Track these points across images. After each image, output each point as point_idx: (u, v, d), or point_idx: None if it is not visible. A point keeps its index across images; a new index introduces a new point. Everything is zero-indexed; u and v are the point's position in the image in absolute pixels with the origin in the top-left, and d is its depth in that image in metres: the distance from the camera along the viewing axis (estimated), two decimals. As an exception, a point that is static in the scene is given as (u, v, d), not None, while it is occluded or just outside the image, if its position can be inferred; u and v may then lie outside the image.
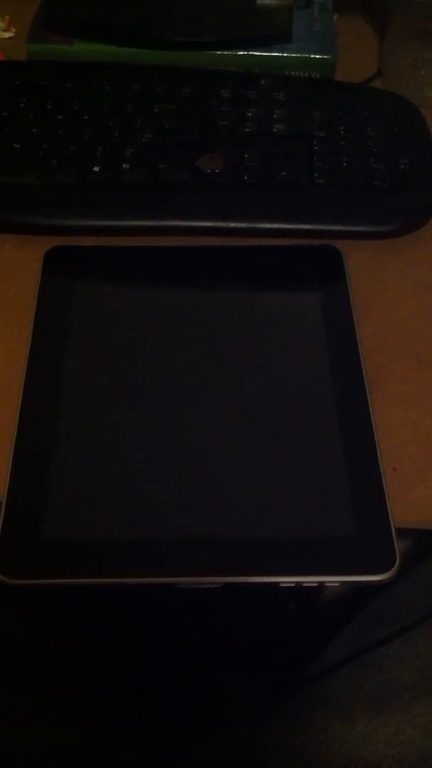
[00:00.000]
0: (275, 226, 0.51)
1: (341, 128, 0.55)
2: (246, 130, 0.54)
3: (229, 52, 0.60)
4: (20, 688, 0.39)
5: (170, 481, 0.40)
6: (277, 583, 0.37)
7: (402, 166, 0.53)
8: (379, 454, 0.41)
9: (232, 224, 0.50)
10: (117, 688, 0.40)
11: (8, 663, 0.39)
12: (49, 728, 0.38)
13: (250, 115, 0.55)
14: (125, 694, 0.39)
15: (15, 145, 0.53)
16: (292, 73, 0.61)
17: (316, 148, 0.54)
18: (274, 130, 0.55)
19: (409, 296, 0.49)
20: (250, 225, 0.50)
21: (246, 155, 0.53)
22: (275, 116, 0.55)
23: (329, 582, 0.37)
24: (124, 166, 0.52)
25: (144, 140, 0.53)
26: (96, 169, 0.51)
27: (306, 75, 0.60)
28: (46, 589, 0.39)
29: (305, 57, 0.60)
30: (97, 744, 0.38)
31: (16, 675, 0.39)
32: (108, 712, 0.39)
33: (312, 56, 0.60)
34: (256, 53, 0.60)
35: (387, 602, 0.41)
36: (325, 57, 0.60)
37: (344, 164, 0.53)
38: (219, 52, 0.60)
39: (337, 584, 0.38)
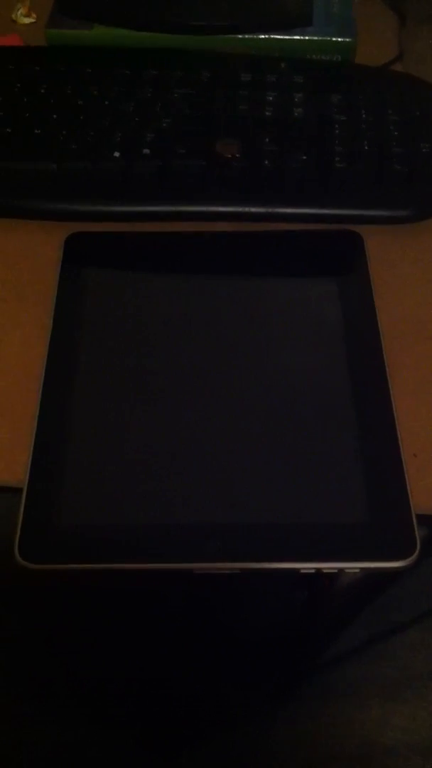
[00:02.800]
0: (294, 210, 0.50)
1: (361, 112, 0.55)
2: (266, 114, 0.54)
3: (249, 36, 0.59)
4: (22, 688, 0.39)
5: (188, 469, 0.40)
6: (298, 570, 0.37)
7: (423, 150, 0.52)
8: (399, 440, 0.40)
9: (252, 209, 0.50)
10: (119, 689, 0.40)
11: (10, 663, 0.39)
12: (50, 728, 0.38)
13: (269, 99, 0.55)
14: (127, 694, 0.39)
15: (35, 131, 0.53)
16: (312, 56, 0.60)
17: (336, 132, 0.53)
18: (294, 114, 0.54)
19: (427, 283, 0.49)
20: (269, 210, 0.50)
21: (265, 139, 0.52)
22: (295, 100, 0.55)
23: (349, 568, 0.37)
24: (144, 151, 0.52)
25: (163, 125, 0.53)
26: (116, 154, 0.51)
27: (326, 58, 0.60)
28: (61, 578, 0.39)
29: (325, 40, 0.59)
30: (99, 743, 0.38)
31: (18, 675, 0.39)
32: (110, 712, 0.39)
33: (332, 39, 0.59)
34: (275, 37, 0.59)
35: (399, 591, 0.41)
36: (345, 40, 0.59)
37: (365, 148, 0.52)
38: (238, 36, 0.59)
39: (357, 571, 0.37)
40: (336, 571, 0.37)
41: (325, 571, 0.37)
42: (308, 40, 0.59)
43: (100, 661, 0.40)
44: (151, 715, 0.39)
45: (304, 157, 0.51)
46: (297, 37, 0.59)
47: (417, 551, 0.37)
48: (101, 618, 0.40)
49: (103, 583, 0.40)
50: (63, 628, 0.40)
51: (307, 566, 0.37)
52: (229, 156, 0.51)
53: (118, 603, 0.40)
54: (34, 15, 0.65)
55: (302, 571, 0.37)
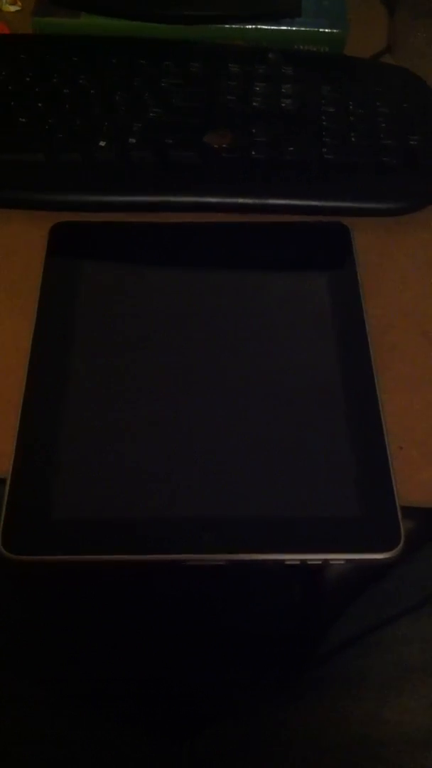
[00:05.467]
0: (283, 202, 0.50)
1: (350, 104, 0.54)
2: (254, 105, 0.54)
3: (238, 27, 0.59)
4: (23, 677, 0.39)
5: (177, 460, 0.40)
6: (282, 561, 0.37)
7: (412, 143, 0.52)
8: (385, 433, 0.40)
9: (240, 200, 0.50)
10: (118, 682, 0.40)
11: (10, 653, 0.39)
12: (52, 720, 0.38)
13: (258, 90, 0.55)
14: (127, 687, 0.39)
15: (21, 119, 0.52)
16: (302, 47, 0.60)
17: (324, 123, 0.53)
18: (283, 106, 0.54)
19: (418, 276, 0.49)
20: (257, 201, 0.50)
21: (254, 131, 0.52)
22: (284, 91, 0.55)
23: (334, 560, 0.37)
24: (130, 141, 0.51)
25: (151, 115, 0.53)
26: (102, 144, 0.51)
27: (315, 50, 0.60)
28: (49, 571, 0.39)
29: (315, 31, 0.59)
30: (99, 735, 0.38)
31: (18, 666, 0.39)
32: (110, 705, 0.39)
33: (321, 31, 0.59)
34: (265, 27, 0.59)
35: (393, 583, 0.41)
36: (335, 31, 0.59)
37: (353, 140, 0.52)
38: (228, 27, 0.59)
39: (342, 562, 0.37)
40: (321, 562, 0.37)
41: (310, 562, 0.37)
42: (297, 31, 0.59)
43: (98, 654, 0.40)
44: (154, 707, 0.39)
45: (293, 149, 0.51)
46: (286, 28, 0.59)
47: (401, 543, 0.37)
48: (102, 611, 0.40)
49: (91, 576, 0.40)
50: (64, 620, 0.40)
51: (293, 557, 0.37)
52: (218, 147, 0.51)
53: (114, 597, 0.40)
54: (20, 3, 0.64)
55: (287, 562, 0.37)
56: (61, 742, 0.38)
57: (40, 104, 0.53)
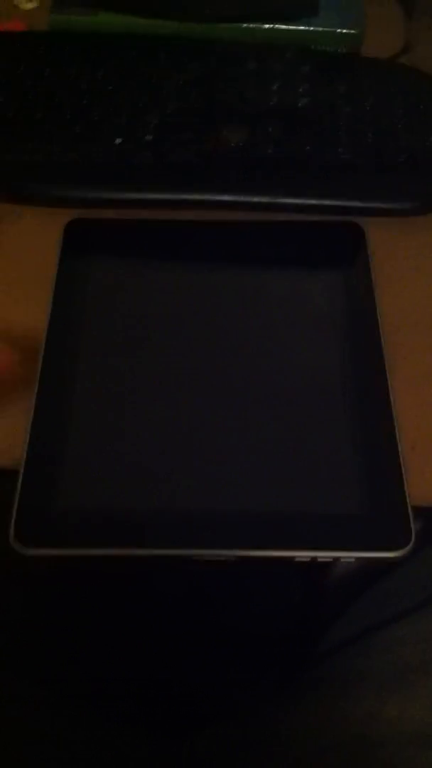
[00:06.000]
0: (297, 201, 0.50)
1: (366, 104, 0.54)
2: (270, 103, 0.54)
3: (255, 26, 0.59)
4: (23, 677, 0.39)
5: (185, 456, 0.40)
6: (293, 558, 0.37)
7: (427, 144, 0.52)
8: (397, 432, 0.40)
9: (255, 198, 0.50)
10: (119, 681, 0.40)
11: (10, 653, 0.39)
12: (52, 720, 0.38)
13: (275, 88, 0.55)
14: (127, 687, 0.39)
15: (37, 115, 0.53)
16: (318, 47, 0.60)
17: (340, 123, 0.53)
18: (299, 105, 0.54)
19: (430, 276, 0.49)
20: (272, 200, 0.50)
21: (270, 129, 0.52)
22: (300, 90, 0.55)
23: (345, 557, 0.37)
24: (146, 137, 0.51)
25: (168, 112, 0.53)
26: (118, 140, 0.51)
27: (332, 49, 0.60)
28: (60, 565, 0.39)
29: (331, 31, 0.59)
30: (99, 734, 0.38)
31: (18, 665, 0.39)
32: (110, 704, 0.39)
33: (338, 30, 0.59)
34: (281, 27, 0.59)
35: (393, 583, 0.41)
36: (352, 31, 0.59)
37: (369, 140, 0.52)
38: (244, 26, 0.59)
39: (352, 560, 0.38)
40: (331, 559, 0.37)
41: (320, 559, 0.37)
42: (314, 30, 0.59)
43: (98, 654, 0.40)
44: (149, 708, 0.39)
45: (308, 148, 0.51)
46: (303, 28, 0.59)
47: (412, 542, 0.37)
48: (98, 611, 0.40)
49: (93, 574, 0.40)
50: (62, 621, 0.40)
51: (303, 554, 0.37)
52: (233, 144, 0.51)
53: (114, 597, 0.40)
54: (36, 0, 0.64)
55: (297, 559, 0.37)
56: (61, 742, 0.38)
57: (56, 100, 0.53)
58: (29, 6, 0.64)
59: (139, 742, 0.38)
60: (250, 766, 0.38)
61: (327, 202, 0.50)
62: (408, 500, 0.38)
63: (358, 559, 0.37)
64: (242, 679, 0.40)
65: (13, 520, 0.37)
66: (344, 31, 0.59)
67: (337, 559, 0.37)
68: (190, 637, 0.40)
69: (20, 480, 0.39)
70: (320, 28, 0.59)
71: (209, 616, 0.40)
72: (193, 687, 0.40)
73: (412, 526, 0.37)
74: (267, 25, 0.59)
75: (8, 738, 0.38)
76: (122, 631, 0.40)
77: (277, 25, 0.59)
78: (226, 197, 0.50)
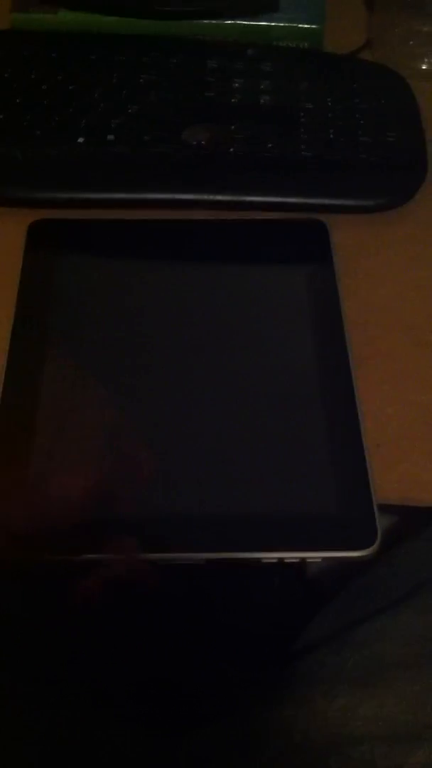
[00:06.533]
0: (261, 199, 0.50)
1: (329, 100, 0.54)
2: (232, 101, 0.54)
3: (216, 22, 0.59)
4: (23, 677, 0.39)
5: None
6: (259, 560, 0.37)
7: (390, 139, 0.52)
8: (362, 430, 0.40)
9: (218, 197, 0.50)
10: (117, 679, 0.40)
11: (10, 653, 0.39)
12: (52, 720, 0.38)
13: (236, 86, 0.55)
14: (127, 686, 0.40)
15: (-2, 116, 0.52)
16: (280, 43, 0.60)
17: (302, 120, 0.53)
18: (261, 102, 0.54)
19: (396, 272, 0.49)
20: (235, 198, 0.50)
21: (232, 127, 0.52)
22: (262, 87, 0.55)
23: (311, 558, 0.37)
24: (109, 137, 0.51)
25: (129, 111, 0.53)
26: (80, 140, 0.51)
27: (294, 45, 0.60)
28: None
29: (293, 27, 0.59)
30: (97, 729, 0.38)
31: (18, 665, 0.39)
32: (108, 701, 0.39)
33: (300, 26, 0.59)
34: (242, 22, 0.59)
35: (370, 579, 0.41)
36: (313, 27, 0.59)
37: (331, 137, 0.52)
38: (205, 22, 0.59)
39: (319, 560, 0.38)
40: (298, 560, 0.37)
41: (287, 560, 0.37)
42: (275, 26, 0.59)
43: (97, 653, 0.40)
44: (148, 708, 0.39)
45: (271, 145, 0.51)
46: (264, 24, 0.59)
47: (378, 541, 0.37)
48: (97, 611, 0.40)
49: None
50: (62, 621, 0.40)
51: (270, 556, 0.37)
52: (196, 143, 0.51)
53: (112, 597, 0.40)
54: (-3, -2, 0.64)
55: (264, 560, 0.37)
56: (61, 742, 0.38)
57: (17, 100, 0.53)
58: (-11, 4, 0.64)
59: (138, 741, 0.38)
60: (240, 764, 0.38)
61: (290, 200, 0.50)
62: (374, 499, 0.38)
63: (324, 559, 0.37)
64: (219, 677, 0.40)
65: None
66: (305, 26, 0.59)
67: (303, 560, 0.37)
68: (185, 636, 0.40)
69: None
70: (281, 24, 0.59)
71: (199, 615, 0.41)
72: (189, 686, 0.40)
73: (378, 525, 0.37)
74: (228, 21, 0.59)
75: (8, 738, 0.37)
76: (119, 630, 0.40)
77: (238, 21, 0.59)
78: (188, 196, 0.50)
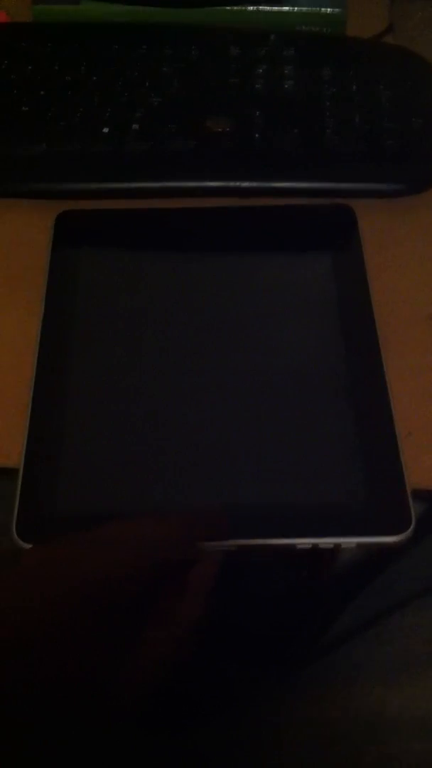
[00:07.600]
0: (286, 185, 0.50)
1: (353, 85, 0.54)
2: (256, 88, 0.54)
3: (237, 8, 0.59)
4: (19, 674, 0.39)
5: (184, 449, 0.40)
6: (294, 546, 0.37)
7: (414, 124, 0.52)
8: (394, 418, 0.40)
9: (243, 184, 0.50)
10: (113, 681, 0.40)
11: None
12: (52, 719, 0.38)
13: (259, 73, 0.55)
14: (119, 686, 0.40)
15: (23, 108, 0.52)
16: (302, 28, 0.59)
17: (327, 105, 0.53)
18: (285, 88, 0.54)
19: (421, 258, 0.49)
20: (260, 184, 0.50)
21: (256, 114, 0.52)
22: (285, 73, 0.55)
23: (345, 543, 0.37)
24: (133, 127, 0.51)
25: (153, 101, 0.53)
26: (105, 131, 0.51)
27: (316, 30, 0.59)
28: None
29: (315, 12, 0.58)
30: (102, 734, 0.39)
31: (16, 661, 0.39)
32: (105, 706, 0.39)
33: (322, 11, 0.58)
34: (264, 9, 0.59)
35: (396, 574, 0.41)
36: (335, 11, 0.59)
37: (356, 122, 0.52)
38: (227, 8, 0.59)
39: (353, 546, 0.38)
40: (332, 546, 0.37)
41: (321, 546, 0.37)
42: (297, 12, 0.58)
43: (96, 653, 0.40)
44: (149, 706, 0.39)
45: (296, 131, 0.51)
46: (287, 9, 0.59)
47: (412, 526, 0.37)
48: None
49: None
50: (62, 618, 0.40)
51: (304, 542, 0.37)
52: (220, 131, 0.51)
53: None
54: (19, -10, 0.64)
55: (299, 546, 0.37)
56: (61, 742, 0.38)
57: (42, 93, 0.53)
58: (11, -3, 0.64)
59: (139, 740, 0.38)
60: (253, 760, 0.38)
61: (316, 185, 0.50)
62: (407, 485, 0.38)
63: (359, 545, 0.37)
64: (251, 670, 0.40)
65: (14, 518, 0.38)
66: (328, 11, 0.58)
67: (338, 545, 0.37)
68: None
69: (20, 478, 0.39)
70: (303, 9, 0.58)
71: (217, 607, 0.41)
72: (200, 678, 0.40)
73: (412, 510, 0.37)
74: (250, 8, 0.59)
75: (8, 738, 0.38)
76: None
77: (260, 8, 0.59)
78: (215, 183, 0.50)
